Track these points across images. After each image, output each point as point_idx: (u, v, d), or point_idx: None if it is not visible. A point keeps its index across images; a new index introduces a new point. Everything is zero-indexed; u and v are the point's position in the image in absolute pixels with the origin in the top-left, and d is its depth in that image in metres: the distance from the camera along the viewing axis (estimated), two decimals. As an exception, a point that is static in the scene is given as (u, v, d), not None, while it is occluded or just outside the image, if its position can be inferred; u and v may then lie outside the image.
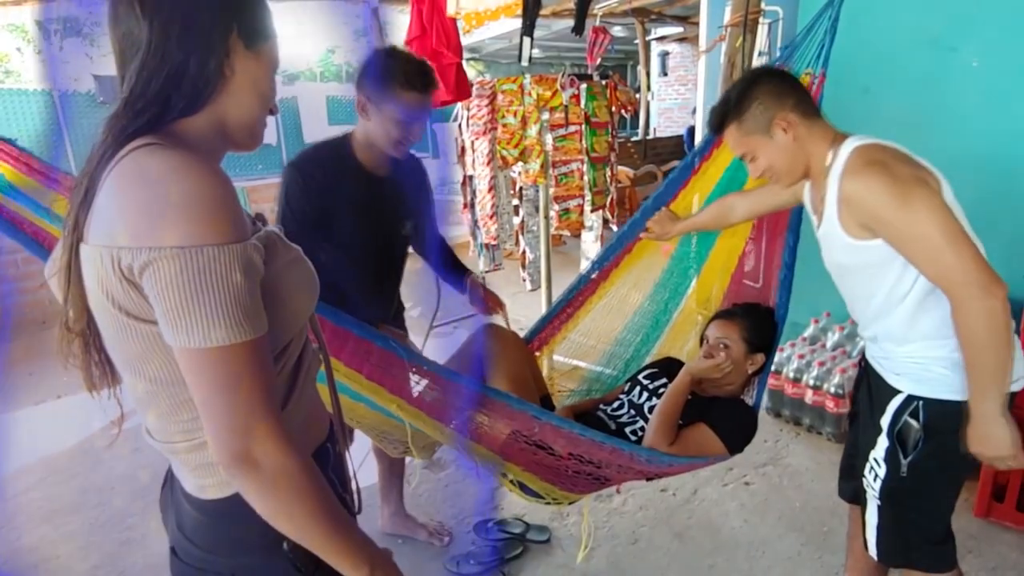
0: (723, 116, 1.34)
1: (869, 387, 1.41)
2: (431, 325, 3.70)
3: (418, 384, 1.42)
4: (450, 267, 1.96)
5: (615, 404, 1.74)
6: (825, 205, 1.26)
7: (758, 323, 1.69)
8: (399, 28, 5.83)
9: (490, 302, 1.94)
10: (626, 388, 1.78)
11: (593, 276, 1.97)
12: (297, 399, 0.81)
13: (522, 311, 4.18)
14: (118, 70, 0.71)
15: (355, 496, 0.96)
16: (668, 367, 1.81)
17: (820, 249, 1.39)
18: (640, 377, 1.77)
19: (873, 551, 1.35)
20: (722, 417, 1.56)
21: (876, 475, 1.30)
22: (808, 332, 2.91)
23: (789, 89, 1.29)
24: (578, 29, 2.70)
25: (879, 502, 1.32)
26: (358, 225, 1.66)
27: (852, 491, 1.55)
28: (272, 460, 0.67)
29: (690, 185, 1.91)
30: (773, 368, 2.80)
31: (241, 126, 0.77)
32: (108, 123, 0.69)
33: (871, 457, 1.31)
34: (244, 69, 0.74)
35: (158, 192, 0.63)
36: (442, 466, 2.56)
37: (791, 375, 2.70)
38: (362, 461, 2.36)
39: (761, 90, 1.29)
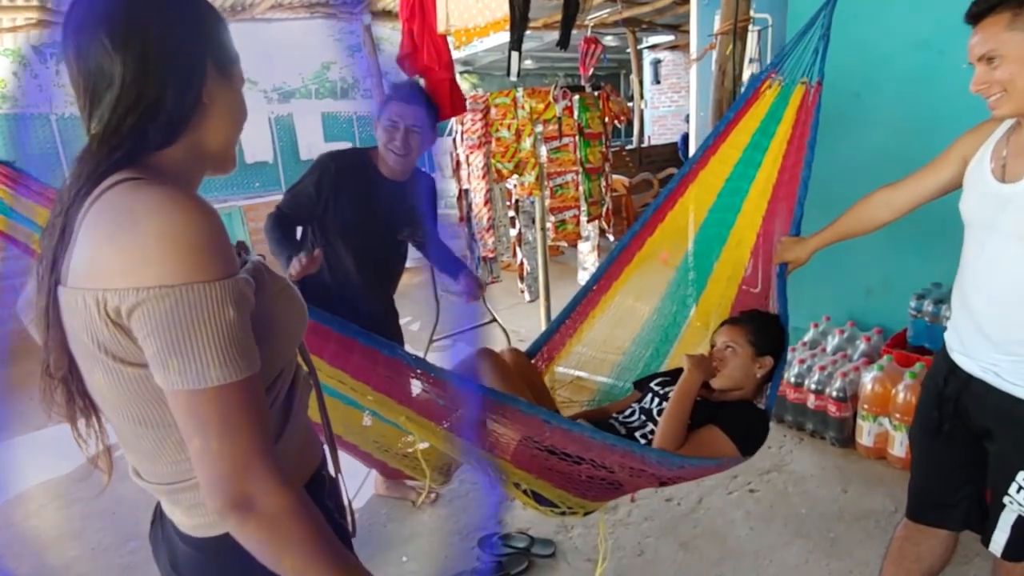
0: (1001, 0, 1.14)
1: (978, 405, 1.33)
2: (431, 339, 3.71)
3: (427, 392, 1.41)
4: (449, 262, 2.26)
5: (627, 411, 1.73)
6: None
7: (764, 327, 1.69)
8: (392, 44, 5.88)
9: (474, 288, 2.21)
10: (639, 397, 1.78)
11: (593, 287, 1.97)
12: (292, 428, 0.80)
13: (521, 322, 4.18)
14: (81, 104, 0.68)
15: (350, 520, 0.95)
16: (679, 376, 1.81)
17: (971, 220, 1.28)
18: (652, 384, 1.77)
19: (1000, 550, 1.33)
20: (733, 419, 1.54)
21: None
22: (808, 336, 2.91)
23: None
24: (563, 44, 2.73)
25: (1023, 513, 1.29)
26: (360, 217, 1.96)
27: (938, 516, 1.48)
28: (271, 503, 0.65)
29: (688, 193, 1.91)
30: (774, 373, 2.80)
31: (218, 151, 0.76)
32: (80, 160, 0.67)
33: (1021, 478, 1.27)
34: (221, 95, 0.73)
35: (143, 230, 0.61)
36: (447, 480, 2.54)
37: (792, 380, 2.70)
38: (363, 481, 2.35)
39: None
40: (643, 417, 1.68)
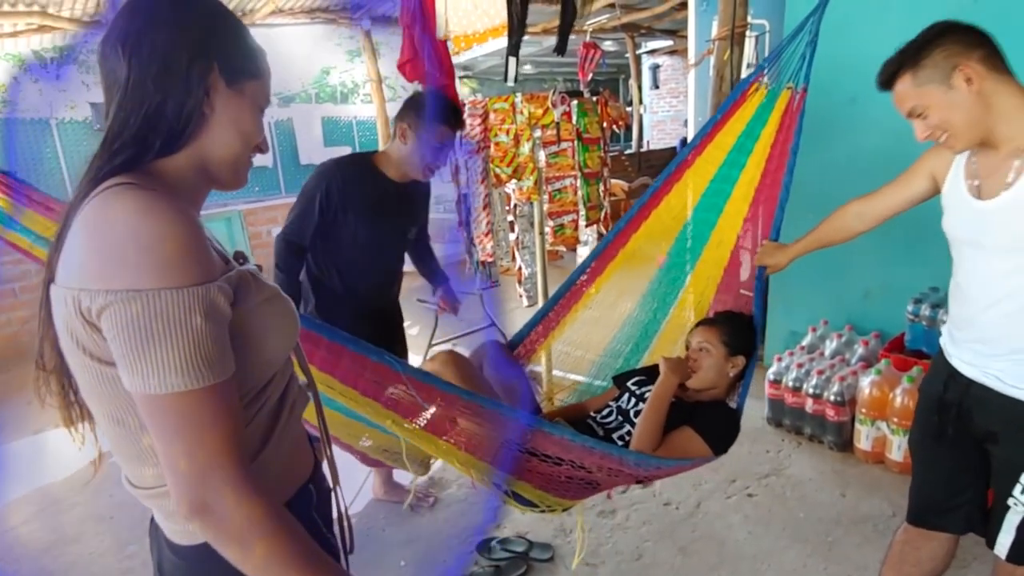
0: (899, 65, 1.23)
1: (982, 409, 1.33)
2: (430, 343, 3.71)
3: (411, 396, 1.42)
4: (433, 270, 2.36)
5: (604, 411, 1.77)
6: (1019, 177, 1.16)
7: (737, 327, 1.74)
8: (392, 49, 5.90)
9: (450, 304, 2.34)
10: (616, 395, 1.81)
11: (577, 282, 1.98)
12: (279, 437, 0.79)
13: (520, 326, 4.17)
14: (104, 109, 0.71)
15: (345, 534, 0.94)
16: (656, 374, 1.83)
17: (954, 233, 1.30)
18: (629, 384, 1.80)
19: (1005, 553, 1.33)
20: (707, 420, 1.59)
21: None
22: (806, 341, 2.92)
23: (979, 41, 1.18)
24: (560, 50, 2.75)
25: None
26: (371, 222, 1.97)
27: (940, 520, 1.47)
28: (233, 510, 0.65)
29: (674, 191, 1.92)
30: (772, 377, 2.80)
31: (223, 165, 0.76)
32: (88, 164, 0.69)
33: None
34: (225, 107, 0.73)
35: (118, 234, 0.62)
36: (443, 485, 2.55)
37: (791, 384, 2.70)
38: (360, 486, 2.35)
39: (947, 38, 1.18)
40: (620, 418, 1.72)
